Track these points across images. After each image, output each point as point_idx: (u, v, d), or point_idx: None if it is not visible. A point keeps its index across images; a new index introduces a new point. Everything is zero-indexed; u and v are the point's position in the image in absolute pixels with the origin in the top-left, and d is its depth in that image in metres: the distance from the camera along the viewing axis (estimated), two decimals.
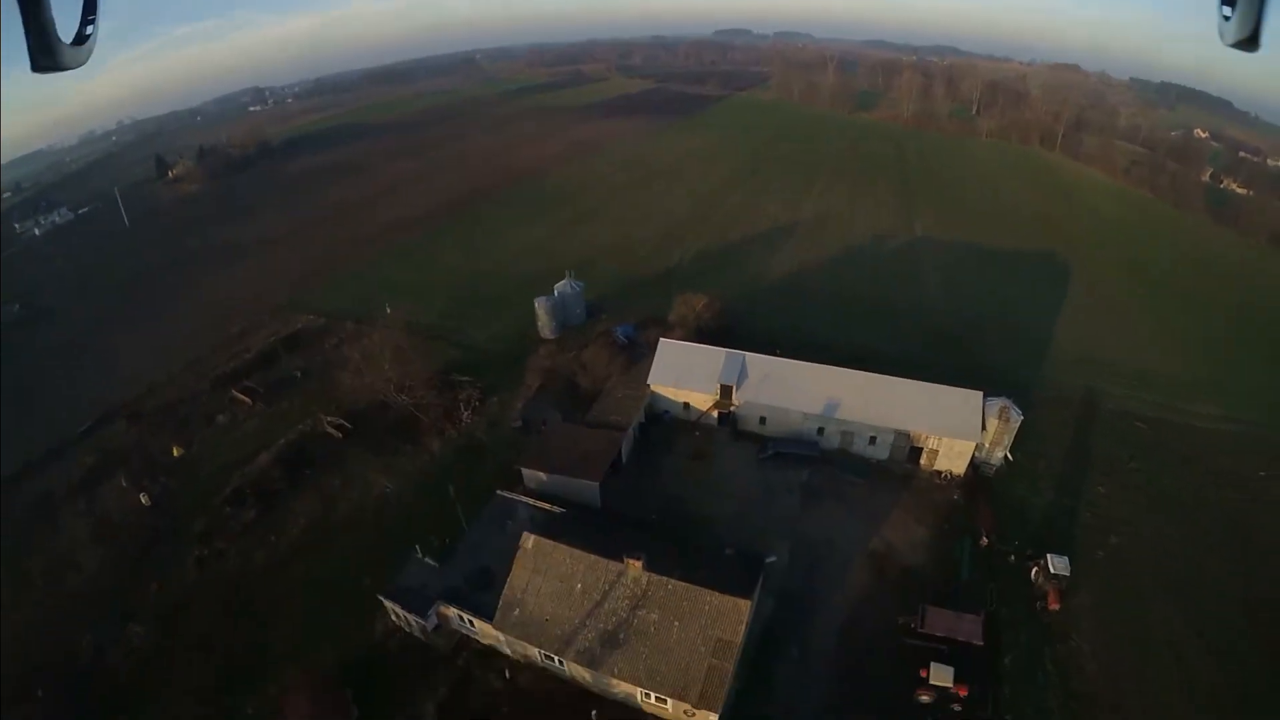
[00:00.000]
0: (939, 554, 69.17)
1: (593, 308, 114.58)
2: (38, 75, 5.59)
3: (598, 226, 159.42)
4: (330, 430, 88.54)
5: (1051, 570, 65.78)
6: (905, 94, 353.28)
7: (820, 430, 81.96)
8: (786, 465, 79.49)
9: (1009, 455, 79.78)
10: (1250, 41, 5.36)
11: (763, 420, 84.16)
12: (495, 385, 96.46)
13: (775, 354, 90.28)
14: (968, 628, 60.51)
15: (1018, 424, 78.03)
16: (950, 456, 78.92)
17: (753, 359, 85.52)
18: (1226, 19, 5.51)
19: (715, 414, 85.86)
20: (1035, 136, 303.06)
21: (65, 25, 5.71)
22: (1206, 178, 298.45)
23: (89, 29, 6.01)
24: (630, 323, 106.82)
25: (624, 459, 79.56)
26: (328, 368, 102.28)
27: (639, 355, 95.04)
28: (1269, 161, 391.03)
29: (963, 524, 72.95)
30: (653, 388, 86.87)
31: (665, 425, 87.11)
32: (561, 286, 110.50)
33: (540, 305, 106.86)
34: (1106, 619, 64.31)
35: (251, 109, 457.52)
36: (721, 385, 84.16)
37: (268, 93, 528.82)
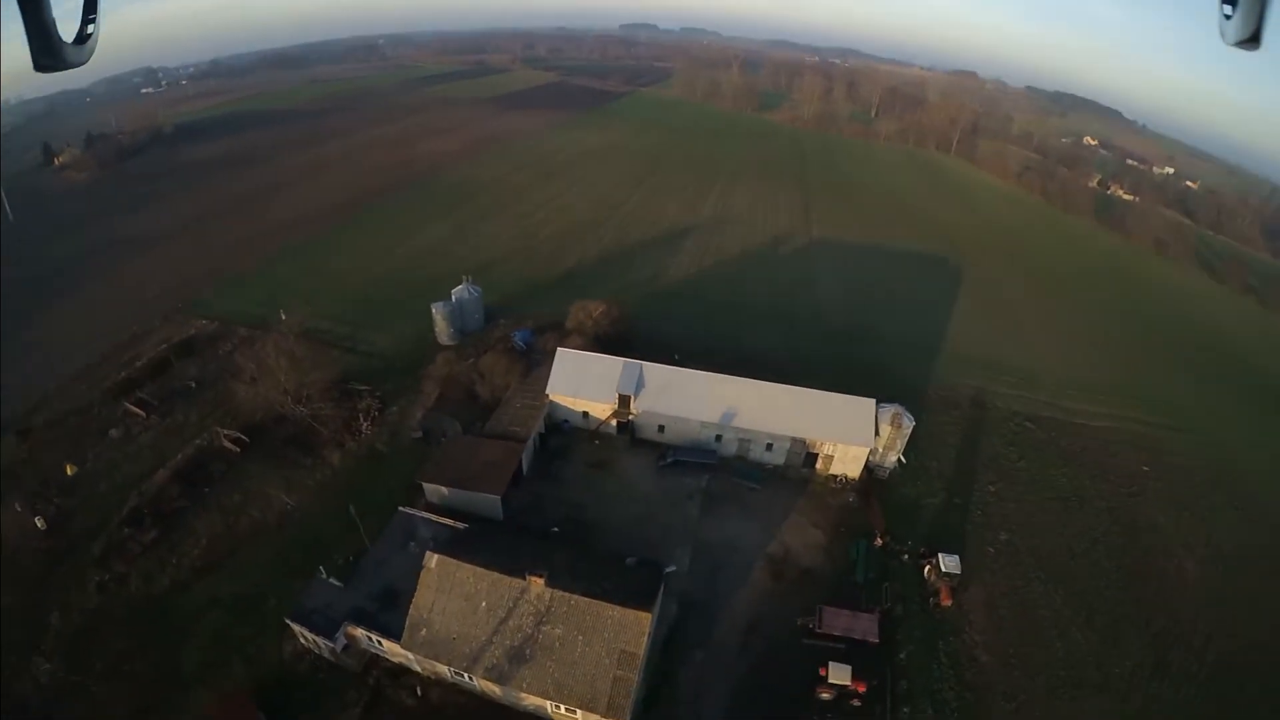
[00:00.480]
0: (835, 556, 75.23)
1: (491, 312, 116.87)
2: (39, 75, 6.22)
3: (498, 226, 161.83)
4: (228, 444, 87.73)
5: (943, 568, 72.42)
6: (807, 96, 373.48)
7: (718, 437, 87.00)
8: (686, 472, 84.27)
9: (902, 459, 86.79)
10: (1252, 41, 5.73)
11: (661, 429, 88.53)
12: (394, 394, 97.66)
13: (674, 360, 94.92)
14: (864, 626, 66.13)
15: (910, 429, 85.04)
16: (845, 461, 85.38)
17: (650, 368, 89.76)
18: (1228, 18, 5.88)
19: (614, 423, 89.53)
20: (932, 141, 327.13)
21: (66, 25, 6.12)
22: (1095, 184, 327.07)
23: (90, 28, 6.49)
24: (528, 328, 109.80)
25: (525, 470, 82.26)
26: (222, 377, 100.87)
27: (537, 362, 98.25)
28: (1155, 170, 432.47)
29: (858, 526, 79.24)
30: (551, 397, 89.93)
31: (565, 434, 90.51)
32: (459, 291, 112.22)
33: (438, 311, 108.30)
34: (997, 612, 71.92)
35: (144, 91, 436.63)
36: (620, 395, 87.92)
37: (161, 74, 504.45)
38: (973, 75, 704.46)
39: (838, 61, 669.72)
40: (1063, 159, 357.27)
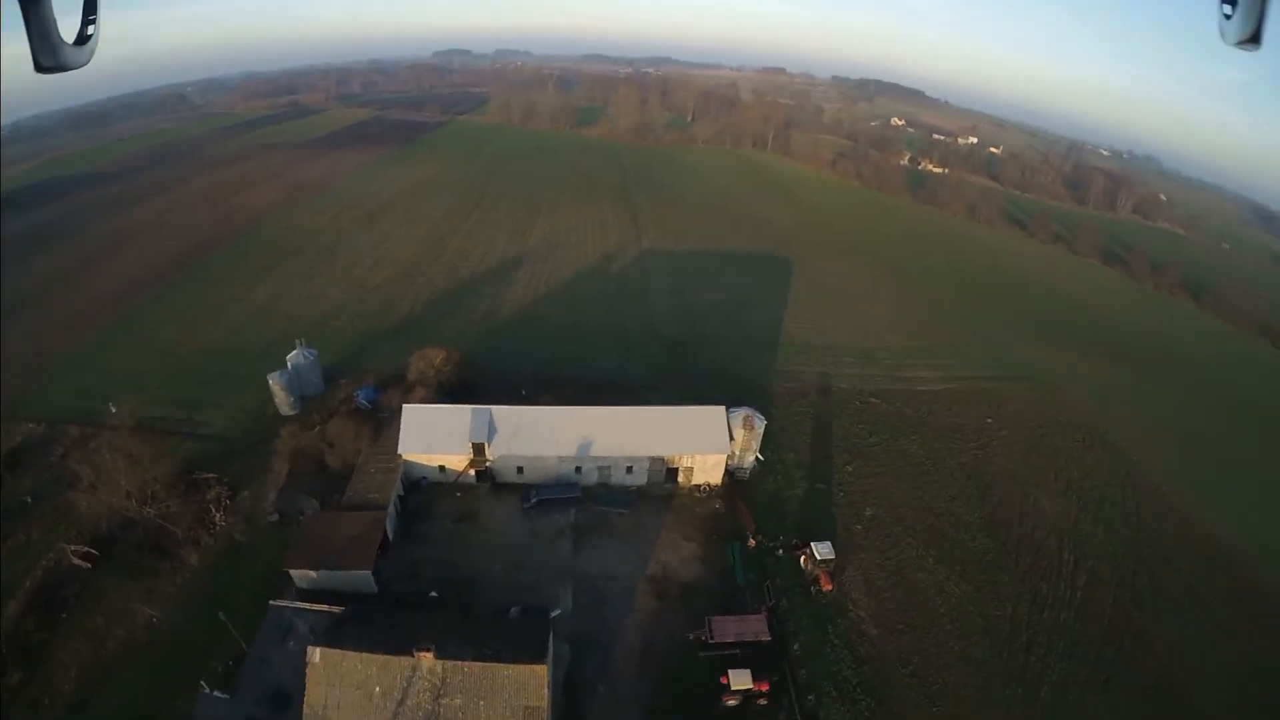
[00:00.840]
0: (713, 563, 79.40)
1: (331, 372, 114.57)
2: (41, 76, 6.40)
3: (326, 278, 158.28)
4: (78, 561, 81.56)
5: (817, 556, 77.89)
6: (623, 108, 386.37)
7: (578, 469, 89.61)
8: (552, 510, 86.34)
9: (759, 457, 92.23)
10: (1252, 40, 5.98)
11: (520, 470, 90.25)
12: (242, 477, 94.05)
13: (521, 395, 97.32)
14: (754, 627, 70.33)
15: (762, 428, 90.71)
16: (705, 470, 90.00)
17: (500, 412, 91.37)
18: (1228, 18, 6.10)
19: (472, 472, 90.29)
20: (749, 139, 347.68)
21: (67, 25, 6.30)
22: (906, 161, 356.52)
23: (90, 28, 6.68)
24: (370, 384, 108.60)
25: (391, 537, 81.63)
26: (59, 487, 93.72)
27: (385, 420, 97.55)
28: (960, 141, 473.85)
29: (729, 530, 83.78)
30: (405, 456, 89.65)
31: (425, 491, 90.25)
32: (294, 357, 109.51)
33: (275, 382, 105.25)
34: (876, 585, 78.54)
35: None
36: (473, 444, 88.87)
37: None
38: (781, 71, 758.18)
39: (651, 71, 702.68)
40: (873, 142, 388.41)
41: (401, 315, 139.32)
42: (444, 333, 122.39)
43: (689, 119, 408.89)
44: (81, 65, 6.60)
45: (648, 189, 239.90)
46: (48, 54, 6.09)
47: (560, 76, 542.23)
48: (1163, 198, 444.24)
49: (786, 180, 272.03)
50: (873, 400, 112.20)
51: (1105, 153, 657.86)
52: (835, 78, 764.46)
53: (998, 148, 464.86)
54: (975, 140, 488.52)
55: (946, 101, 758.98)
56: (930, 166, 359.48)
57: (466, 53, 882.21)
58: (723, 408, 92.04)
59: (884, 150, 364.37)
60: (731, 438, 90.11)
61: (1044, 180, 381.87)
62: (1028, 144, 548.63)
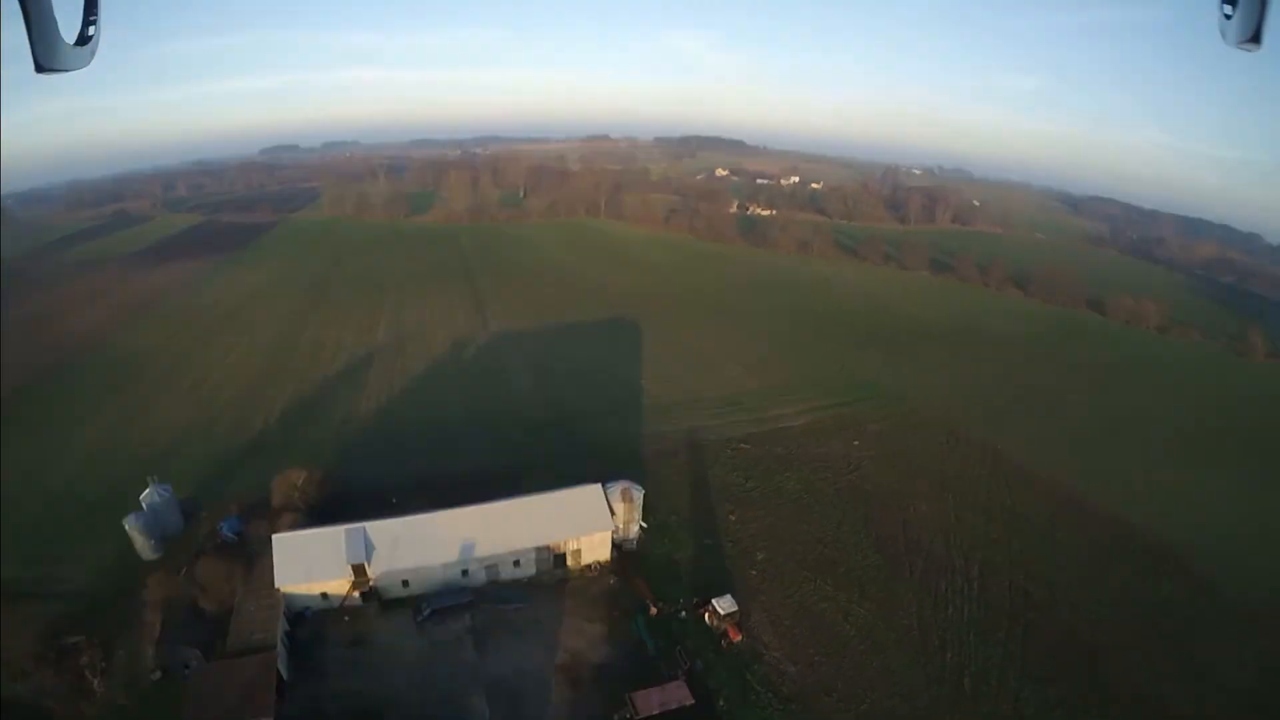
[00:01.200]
0: (620, 639, 79.81)
1: (189, 507, 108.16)
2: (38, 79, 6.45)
3: (171, 401, 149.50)
4: None
5: (720, 611, 79.93)
6: (456, 191, 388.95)
7: (464, 572, 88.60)
8: (447, 618, 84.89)
9: (643, 525, 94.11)
10: (1253, 41, 6.15)
11: (406, 584, 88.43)
12: (114, 635, 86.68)
13: (392, 503, 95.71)
14: (676, 695, 71.57)
15: (641, 497, 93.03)
16: (592, 549, 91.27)
17: (375, 528, 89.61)
18: (1228, 18, 6.31)
19: (357, 594, 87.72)
20: (581, 208, 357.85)
21: (68, 26, 6.42)
22: (734, 209, 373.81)
23: (91, 29, 6.76)
24: (234, 514, 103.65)
25: (286, 677, 77.78)
26: None
27: (256, 552, 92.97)
28: (782, 182, 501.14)
29: (629, 603, 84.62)
30: (283, 589, 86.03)
31: (311, 622, 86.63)
32: (148, 496, 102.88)
33: (131, 527, 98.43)
34: (783, 625, 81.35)
35: None
36: (352, 565, 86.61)
37: None
38: (606, 138, 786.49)
39: (479, 151, 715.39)
40: (702, 195, 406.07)
41: (256, 432, 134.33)
42: (303, 446, 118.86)
43: (521, 194, 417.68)
44: (82, 66, 6.76)
45: (489, 269, 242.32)
46: (48, 55, 6.21)
47: (390, 165, 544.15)
48: (976, 203, 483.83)
49: (624, 243, 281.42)
50: (742, 446, 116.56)
51: (918, 172, 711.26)
52: (658, 139, 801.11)
53: (819, 183, 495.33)
54: (797, 179, 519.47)
55: (765, 147, 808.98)
56: (759, 210, 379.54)
57: (294, 148, 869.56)
58: (599, 485, 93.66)
59: (713, 201, 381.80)
60: (613, 512, 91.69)
61: (867, 207, 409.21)
62: (846, 175, 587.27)
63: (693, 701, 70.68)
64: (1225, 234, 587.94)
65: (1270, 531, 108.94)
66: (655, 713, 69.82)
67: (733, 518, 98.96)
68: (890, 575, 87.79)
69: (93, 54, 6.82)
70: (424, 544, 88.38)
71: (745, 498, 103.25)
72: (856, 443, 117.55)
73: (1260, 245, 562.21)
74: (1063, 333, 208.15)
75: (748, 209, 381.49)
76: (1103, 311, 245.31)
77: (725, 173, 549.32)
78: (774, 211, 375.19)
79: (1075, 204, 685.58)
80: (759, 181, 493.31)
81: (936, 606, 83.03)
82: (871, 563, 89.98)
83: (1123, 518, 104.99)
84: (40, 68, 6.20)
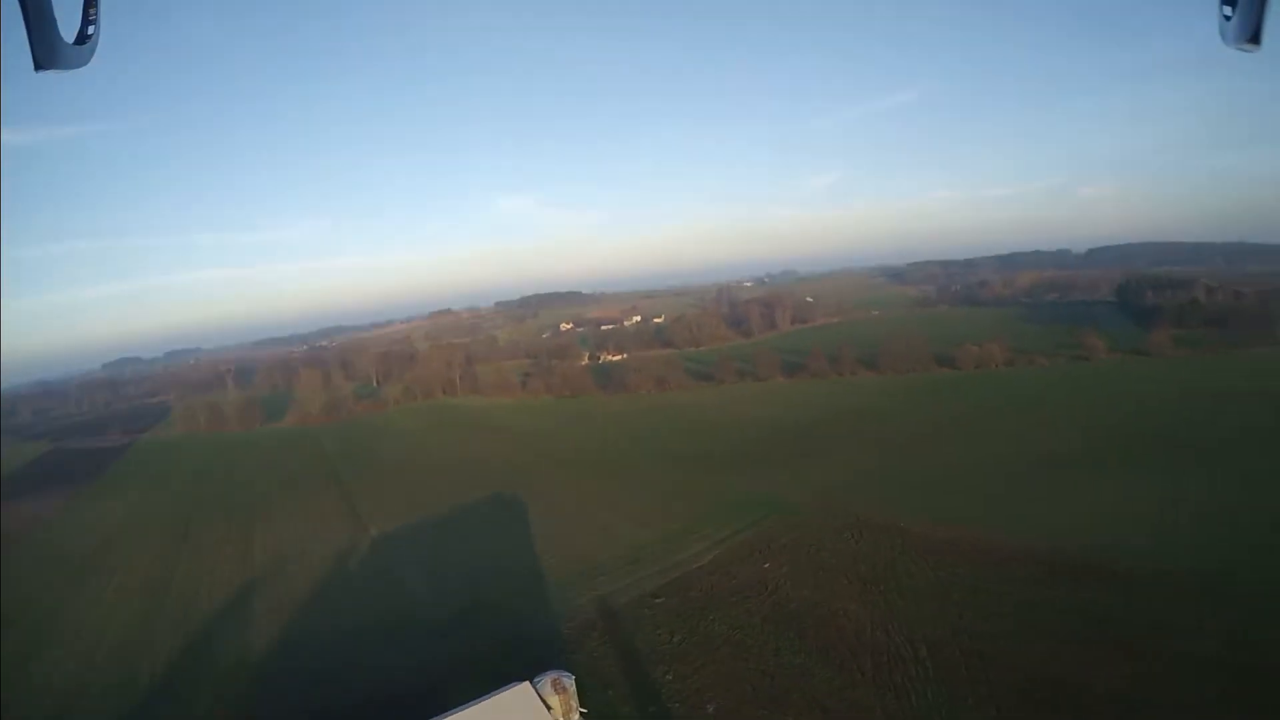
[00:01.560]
0: None
1: None
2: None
3: (47, 662, 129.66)
4: None
5: None
6: (308, 389, 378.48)
7: None
8: None
9: (583, 711, 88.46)
10: (1252, 41, 6.14)
11: None
12: None
13: None
14: None
15: (573, 684, 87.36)
16: None
17: None
18: (1227, 19, 6.37)
19: None
20: (438, 387, 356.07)
21: (67, 24, 6.39)
22: (586, 360, 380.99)
23: (90, 28, 6.71)
24: None
25: None
26: None
27: None
28: (625, 324, 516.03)
29: None
30: None
31: None
32: None
33: None
34: None
35: None
36: None
37: None
38: (449, 311, 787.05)
39: (326, 344, 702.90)
40: (552, 353, 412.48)
41: (143, 692, 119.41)
42: (198, 695, 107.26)
43: (375, 383, 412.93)
44: (82, 65, 6.65)
45: (357, 468, 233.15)
46: (47, 54, 6.09)
47: (237, 369, 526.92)
48: (810, 300, 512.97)
49: (486, 416, 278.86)
50: (656, 601, 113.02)
51: (749, 284, 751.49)
52: (499, 303, 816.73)
53: (660, 317, 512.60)
54: (639, 318, 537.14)
55: (602, 293, 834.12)
56: (610, 357, 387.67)
57: (137, 359, 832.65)
58: (527, 683, 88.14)
59: (564, 357, 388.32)
60: (549, 707, 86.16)
61: (710, 329, 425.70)
62: (684, 303, 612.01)
63: None
64: (1037, 259, 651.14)
65: (1179, 510, 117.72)
66: None
67: (669, 677, 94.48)
68: (844, 684, 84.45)
69: (92, 53, 6.79)
70: None
71: (676, 653, 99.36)
72: (767, 565, 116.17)
73: (1070, 258, 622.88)
74: (924, 396, 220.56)
75: (599, 358, 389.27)
76: (954, 365, 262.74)
77: (570, 326, 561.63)
78: (624, 355, 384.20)
79: (898, 274, 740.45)
80: (603, 328, 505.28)
81: (899, 698, 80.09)
82: (822, 678, 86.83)
83: (1039, 546, 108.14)
84: (40, 66, 6.09)
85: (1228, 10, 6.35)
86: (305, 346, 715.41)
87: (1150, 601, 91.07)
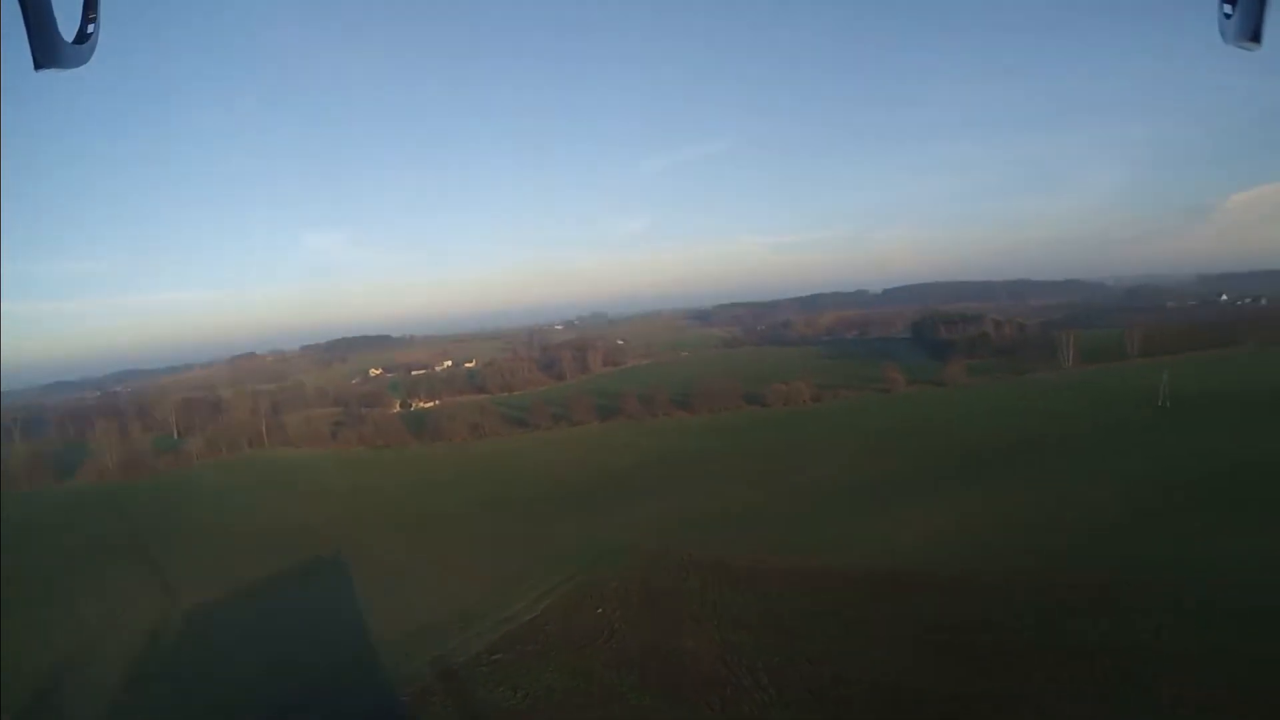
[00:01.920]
0: None
1: None
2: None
3: None
4: None
5: None
6: (105, 442, 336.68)
7: None
8: None
9: None
10: (1253, 40, 6.07)
11: None
12: None
13: None
14: None
15: None
16: None
17: None
18: (1227, 17, 6.28)
19: None
20: (244, 439, 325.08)
21: (67, 24, 6.09)
22: (398, 408, 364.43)
23: (90, 27, 6.39)
24: None
25: None
26: None
27: None
28: (436, 369, 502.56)
29: None
30: None
31: None
32: None
33: None
34: None
35: None
36: None
37: None
38: (252, 355, 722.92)
39: (120, 389, 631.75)
40: (362, 400, 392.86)
41: None
42: None
43: (175, 434, 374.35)
44: (81, 64, 6.35)
45: (163, 534, 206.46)
46: (47, 53, 5.85)
47: (25, 419, 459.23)
48: (621, 342, 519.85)
49: (299, 470, 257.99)
50: (494, 658, 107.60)
51: (560, 327, 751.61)
52: (305, 346, 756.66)
53: (472, 361, 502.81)
54: (450, 363, 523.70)
55: (412, 336, 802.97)
56: (422, 404, 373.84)
57: None
58: None
59: (375, 405, 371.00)
60: None
61: (523, 374, 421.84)
62: (496, 347, 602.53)
63: None
64: (837, 299, 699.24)
65: (985, 519, 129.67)
66: None
67: None
68: None
69: (91, 51, 6.48)
70: None
71: (520, 710, 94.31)
72: (600, 610, 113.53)
73: (868, 298, 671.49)
74: (737, 434, 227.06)
75: (411, 405, 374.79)
76: (763, 403, 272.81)
77: (379, 371, 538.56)
78: (437, 401, 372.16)
79: (705, 316, 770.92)
80: (414, 373, 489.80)
81: None
82: (671, 718, 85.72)
83: (864, 566, 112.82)
84: (39, 65, 5.84)
85: (1228, 9, 6.21)
86: (97, 393, 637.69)
87: (971, 604, 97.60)
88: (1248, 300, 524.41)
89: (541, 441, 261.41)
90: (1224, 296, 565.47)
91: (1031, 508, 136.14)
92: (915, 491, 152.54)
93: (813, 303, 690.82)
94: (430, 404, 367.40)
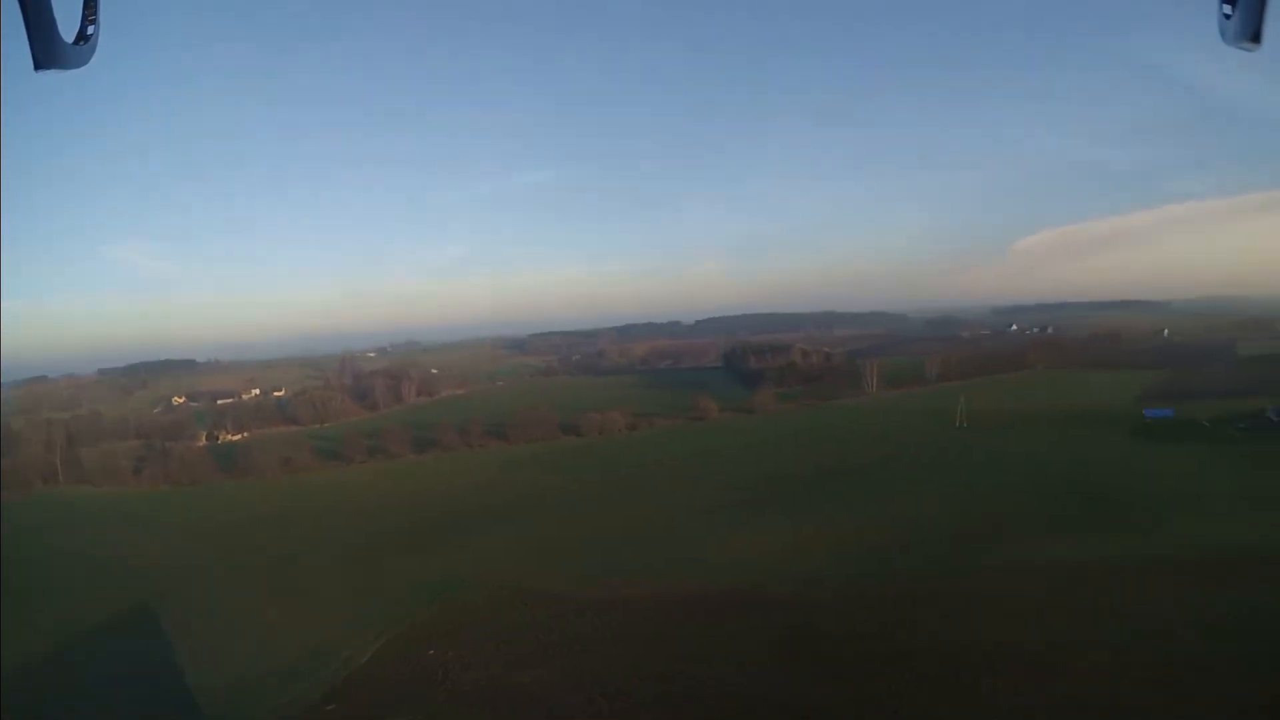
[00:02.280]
0: None
1: None
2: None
3: None
4: None
5: None
6: None
7: None
8: None
9: None
10: (1253, 40, 6.07)
11: None
12: None
13: None
14: None
15: None
16: None
17: None
18: (1228, 17, 6.28)
19: None
20: (36, 476, 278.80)
21: (67, 24, 6.17)
22: (204, 440, 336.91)
23: (90, 28, 6.49)
24: None
25: None
26: None
27: None
28: (244, 398, 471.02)
29: None
30: None
31: None
32: None
33: None
34: None
35: None
36: None
37: None
38: (44, 379, 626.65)
39: None
40: (165, 432, 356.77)
41: None
42: None
43: None
44: (81, 65, 6.51)
45: None
46: (47, 53, 5.94)
47: None
48: (435, 371, 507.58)
49: (102, 512, 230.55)
50: (329, 708, 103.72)
51: (372, 354, 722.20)
52: (101, 370, 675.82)
53: (281, 390, 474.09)
54: (258, 391, 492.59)
55: (218, 360, 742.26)
56: (229, 436, 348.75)
57: None
58: None
59: (179, 437, 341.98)
60: None
61: (335, 405, 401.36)
62: (305, 375, 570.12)
63: None
64: (651, 329, 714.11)
65: (810, 537, 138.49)
66: None
67: None
68: None
69: (92, 52, 6.64)
70: None
71: None
72: (432, 651, 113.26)
73: (681, 328, 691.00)
74: (555, 465, 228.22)
75: (217, 436, 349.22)
76: (579, 433, 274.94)
77: (183, 400, 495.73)
78: (245, 433, 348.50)
79: (520, 344, 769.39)
80: (220, 402, 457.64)
81: None
82: None
83: (699, 588, 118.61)
84: (39, 66, 5.96)
85: (1227, 9, 6.38)
86: None
87: (809, 617, 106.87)
88: (1035, 330, 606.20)
89: (359, 476, 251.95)
90: (1014, 326, 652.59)
91: (846, 525, 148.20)
92: (739, 515, 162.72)
93: (628, 332, 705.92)
94: (238, 436, 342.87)
